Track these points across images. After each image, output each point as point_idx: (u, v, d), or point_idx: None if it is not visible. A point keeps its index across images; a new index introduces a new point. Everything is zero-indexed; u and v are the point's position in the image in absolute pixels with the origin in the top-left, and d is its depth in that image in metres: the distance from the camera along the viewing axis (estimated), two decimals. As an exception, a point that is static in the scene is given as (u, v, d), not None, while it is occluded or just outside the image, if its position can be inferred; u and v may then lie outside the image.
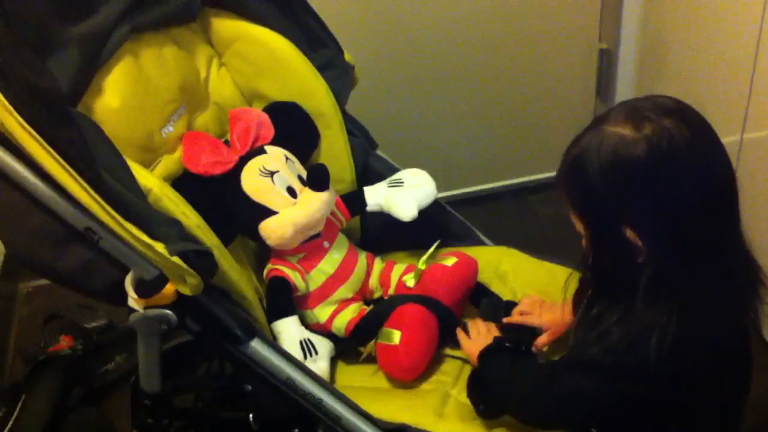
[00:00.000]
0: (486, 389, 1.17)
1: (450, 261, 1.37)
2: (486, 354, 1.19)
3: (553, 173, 2.50)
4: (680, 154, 0.89)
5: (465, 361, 1.33)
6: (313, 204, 1.29)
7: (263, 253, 1.43)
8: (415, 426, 1.20)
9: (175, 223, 1.09)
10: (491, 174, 2.50)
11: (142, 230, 1.04)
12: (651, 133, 0.89)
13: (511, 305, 1.39)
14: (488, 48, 2.23)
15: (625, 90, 2.35)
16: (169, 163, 1.28)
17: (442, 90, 2.27)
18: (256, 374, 1.21)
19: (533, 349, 1.29)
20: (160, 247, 1.04)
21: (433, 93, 2.27)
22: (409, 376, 1.27)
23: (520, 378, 1.12)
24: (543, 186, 2.53)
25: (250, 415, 1.34)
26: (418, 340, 1.26)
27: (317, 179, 1.29)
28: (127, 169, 1.08)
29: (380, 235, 1.54)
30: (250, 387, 1.32)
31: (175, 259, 1.05)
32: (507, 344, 1.21)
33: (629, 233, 0.94)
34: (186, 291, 1.10)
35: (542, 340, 1.30)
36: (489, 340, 1.22)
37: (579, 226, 1.03)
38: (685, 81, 2.07)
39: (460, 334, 1.29)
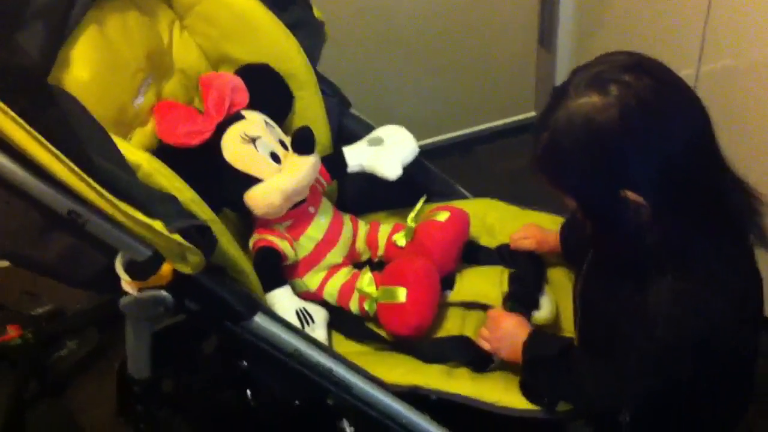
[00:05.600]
0: (543, 393, 1.15)
1: (443, 216, 1.34)
2: (529, 365, 1.14)
3: (498, 122, 2.53)
4: (650, 104, 0.89)
5: (468, 306, 1.32)
6: (301, 169, 1.23)
7: (243, 224, 1.37)
8: (426, 387, 1.18)
9: (171, 199, 1.03)
10: (438, 127, 2.48)
11: (138, 209, 0.97)
12: (619, 94, 0.88)
13: (504, 248, 1.40)
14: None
15: (567, 36, 2.36)
16: (142, 136, 1.21)
17: (385, 43, 2.22)
18: (256, 350, 1.16)
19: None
20: (158, 225, 0.98)
21: (376, 46, 2.21)
22: (416, 334, 1.24)
23: (575, 378, 1.09)
24: (490, 136, 2.54)
25: (248, 392, 1.30)
26: (425, 296, 1.23)
27: (303, 143, 1.24)
28: (113, 145, 1.00)
29: (358, 196, 1.50)
30: (245, 363, 1.28)
31: (176, 236, 0.99)
32: (540, 341, 1.16)
33: (630, 195, 0.92)
34: (186, 270, 1.04)
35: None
36: (514, 335, 1.17)
37: (570, 204, 1.01)
38: (632, 21, 2.09)
39: (482, 337, 1.22)
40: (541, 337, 1.17)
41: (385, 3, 2.14)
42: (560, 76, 2.47)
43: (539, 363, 1.14)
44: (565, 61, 2.41)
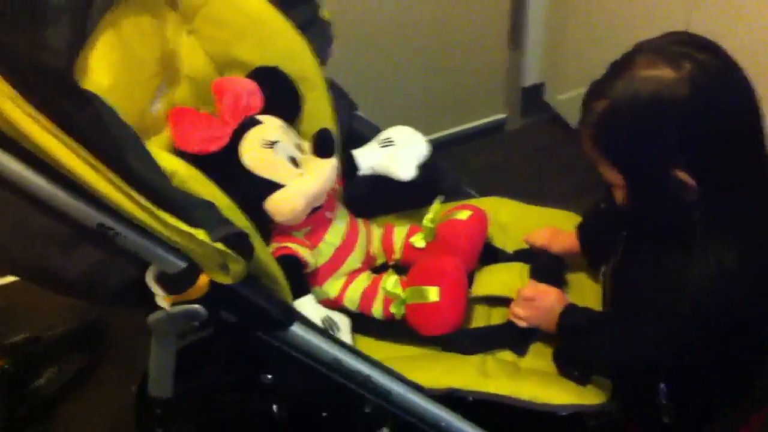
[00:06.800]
0: (576, 362, 1.16)
1: (464, 214, 1.32)
2: (564, 332, 1.15)
3: (472, 123, 2.52)
4: (719, 86, 0.90)
5: (491, 300, 1.31)
6: (323, 172, 1.20)
7: (260, 232, 1.32)
8: (464, 389, 1.16)
9: (210, 206, 0.98)
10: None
11: (179, 218, 0.93)
12: (691, 70, 0.89)
13: (521, 252, 1.39)
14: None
15: (536, 39, 2.37)
16: (159, 144, 1.16)
17: (358, 48, 2.19)
18: (285, 361, 1.12)
19: None
20: (201, 234, 0.94)
21: (348, 52, 2.17)
22: (451, 332, 1.22)
23: (608, 346, 1.11)
24: (465, 137, 2.54)
25: (274, 407, 1.25)
26: (458, 294, 1.22)
27: (324, 145, 1.21)
28: (147, 151, 0.95)
29: (366, 199, 1.46)
30: (270, 377, 1.23)
31: (219, 245, 0.95)
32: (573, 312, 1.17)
33: (680, 174, 0.93)
34: (226, 280, 1.00)
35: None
36: (553, 309, 1.17)
37: (613, 178, 1.00)
38: (603, 23, 2.12)
39: (515, 315, 1.23)
40: (577, 308, 1.18)
41: (355, 7, 2.10)
42: (530, 78, 2.49)
43: (575, 330, 1.14)
44: (536, 63, 2.44)
